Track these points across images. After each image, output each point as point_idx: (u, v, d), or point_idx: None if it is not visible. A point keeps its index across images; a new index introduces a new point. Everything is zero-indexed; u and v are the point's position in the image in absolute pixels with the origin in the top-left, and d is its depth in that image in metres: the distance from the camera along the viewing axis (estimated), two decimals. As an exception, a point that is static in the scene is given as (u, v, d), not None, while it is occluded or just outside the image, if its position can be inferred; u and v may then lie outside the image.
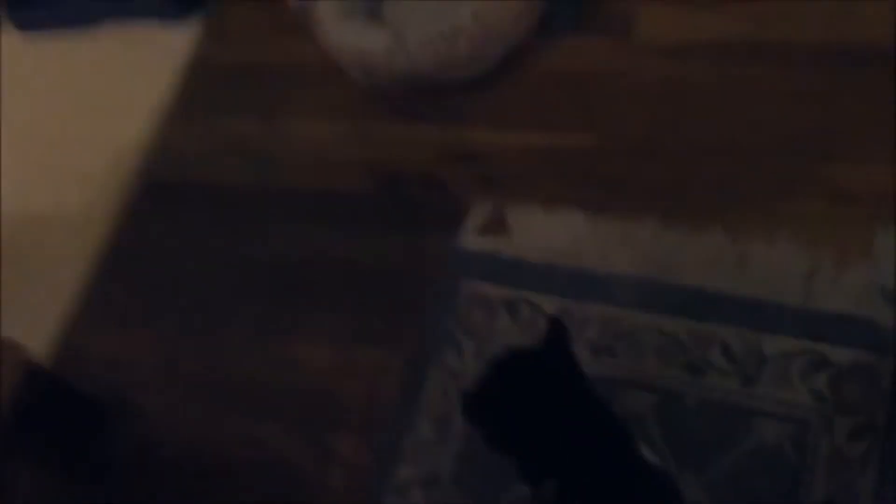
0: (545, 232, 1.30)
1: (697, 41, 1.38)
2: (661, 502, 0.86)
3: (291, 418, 1.29)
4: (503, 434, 0.89)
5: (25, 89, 1.77)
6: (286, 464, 1.25)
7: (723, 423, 1.09)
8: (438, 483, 1.18)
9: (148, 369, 1.38)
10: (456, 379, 1.23)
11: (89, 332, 1.43)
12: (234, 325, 1.39)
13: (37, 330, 1.42)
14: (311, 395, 1.30)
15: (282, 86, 1.60)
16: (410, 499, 1.18)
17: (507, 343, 0.95)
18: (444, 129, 1.45)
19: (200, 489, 1.26)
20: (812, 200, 1.19)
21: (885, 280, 1.09)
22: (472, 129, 1.44)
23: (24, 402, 1.20)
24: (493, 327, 1.25)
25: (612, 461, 0.85)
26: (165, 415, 1.33)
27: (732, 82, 1.33)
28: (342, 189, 1.46)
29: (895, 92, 1.21)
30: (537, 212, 1.32)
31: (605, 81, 1.40)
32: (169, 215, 1.53)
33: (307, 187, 1.48)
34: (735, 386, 1.10)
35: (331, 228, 1.43)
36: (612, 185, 1.30)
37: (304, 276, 1.40)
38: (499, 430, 0.89)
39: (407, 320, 1.31)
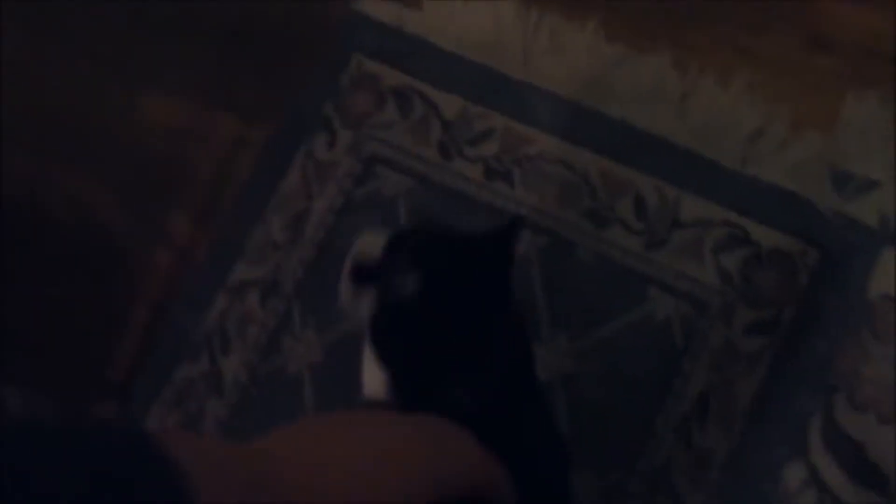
0: (465, 14, 1.05)
1: None
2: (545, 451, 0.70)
3: (126, 186, 1.09)
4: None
5: None
6: (111, 237, 1.06)
7: (613, 286, 0.94)
8: (277, 291, 1.01)
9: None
10: (319, 170, 1.03)
11: None
12: (76, 57, 1.13)
13: None
14: (152, 160, 1.09)
15: None
16: (245, 300, 1.02)
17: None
18: None
19: (13, 249, 1.07)
20: (784, 40, 0.97)
21: (839, 159, 0.91)
22: None
23: None
24: (377, 119, 1.04)
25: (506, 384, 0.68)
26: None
27: None
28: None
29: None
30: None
31: None
32: None
33: None
34: (637, 247, 0.94)
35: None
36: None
37: (170, 19, 1.13)
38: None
39: (279, 91, 1.08)
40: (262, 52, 1.09)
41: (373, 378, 0.67)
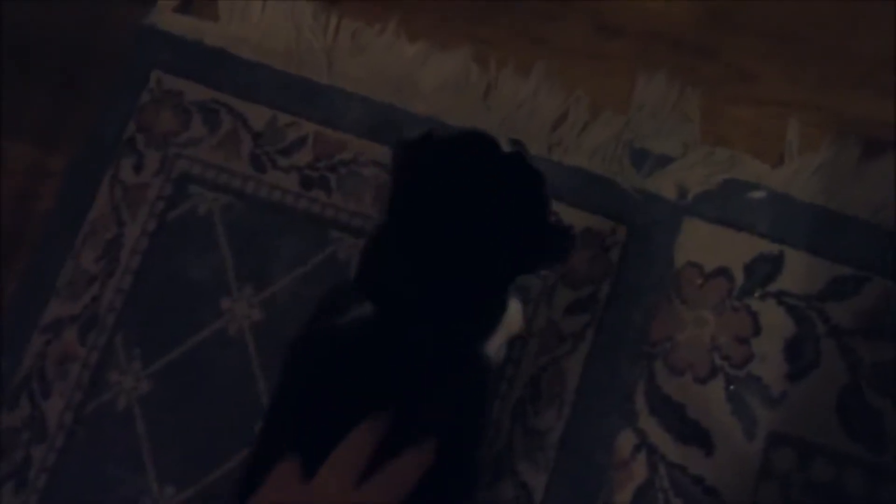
0: (263, 22, 1.03)
1: None
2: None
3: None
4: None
5: None
6: None
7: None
8: (97, 324, 0.97)
9: None
10: (128, 195, 0.99)
11: None
12: None
13: None
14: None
15: None
16: (62, 338, 0.97)
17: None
18: None
19: None
20: (575, 28, 1.00)
21: (636, 138, 0.95)
22: None
23: None
24: (184, 136, 1.01)
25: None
26: None
27: None
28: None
29: None
30: (252, -5, 1.04)
31: None
32: None
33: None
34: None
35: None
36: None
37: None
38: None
39: (76, 113, 1.02)
40: (53, 73, 1.03)
41: None
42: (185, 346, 0.95)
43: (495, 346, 0.73)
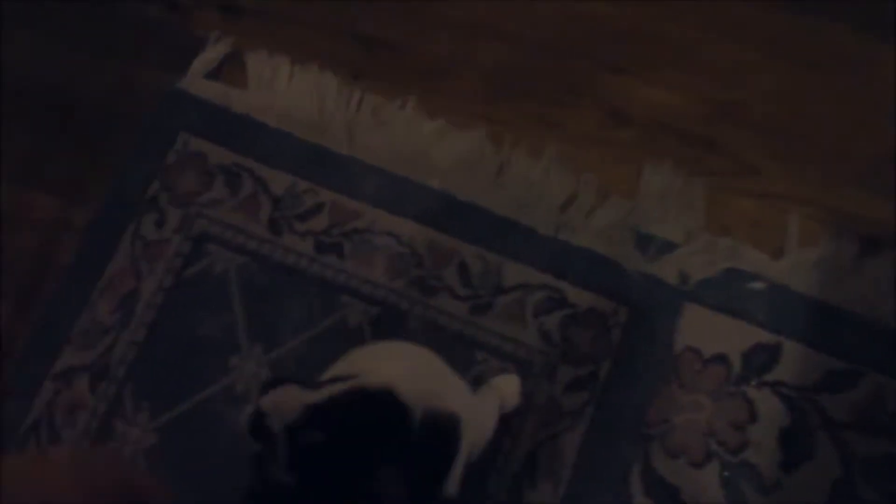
0: (289, 91, 1.08)
1: None
2: None
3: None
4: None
5: None
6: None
7: (444, 352, 0.97)
8: (107, 375, 0.99)
9: None
10: (147, 250, 1.02)
11: None
12: None
13: None
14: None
15: None
16: (73, 387, 0.99)
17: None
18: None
19: None
20: (587, 114, 1.04)
21: (642, 223, 0.98)
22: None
23: None
24: (206, 196, 1.05)
25: None
26: None
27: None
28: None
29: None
30: (284, 64, 1.09)
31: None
32: None
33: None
34: (464, 312, 0.98)
35: (34, 33, 1.12)
36: (376, 48, 1.09)
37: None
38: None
39: (102, 170, 1.06)
40: (83, 131, 1.08)
41: None
42: (192, 401, 0.97)
43: (453, 482, 0.71)
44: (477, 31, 1.07)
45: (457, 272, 0.99)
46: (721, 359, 0.93)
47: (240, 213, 1.03)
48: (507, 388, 0.92)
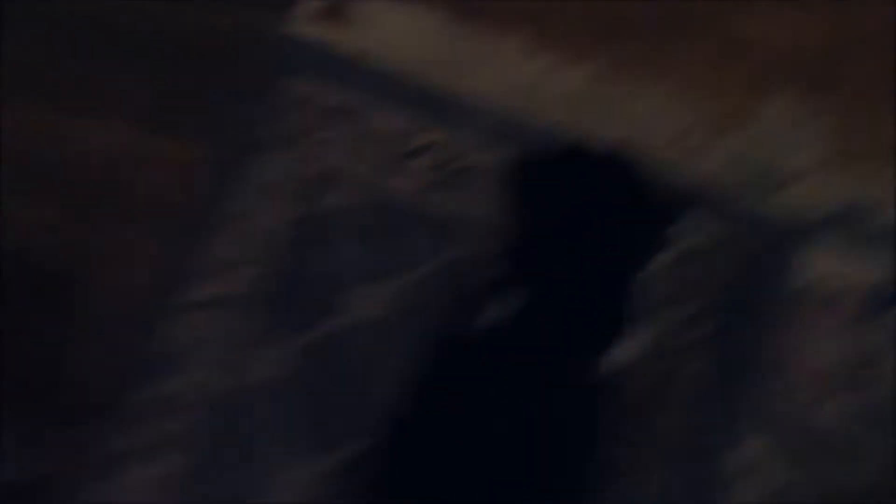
0: (395, 30, 1.08)
1: None
2: None
3: (75, 205, 1.09)
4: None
5: None
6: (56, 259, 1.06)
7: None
8: (227, 306, 1.03)
9: None
10: (265, 189, 1.05)
11: None
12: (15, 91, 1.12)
13: None
14: (99, 183, 1.09)
15: None
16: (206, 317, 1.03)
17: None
18: None
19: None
20: (701, 43, 1.01)
21: (761, 156, 0.96)
22: None
23: None
24: (316, 137, 1.06)
25: None
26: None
27: None
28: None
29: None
30: (388, 4, 1.08)
31: None
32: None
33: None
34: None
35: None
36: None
37: (105, 42, 1.13)
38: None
39: (218, 114, 1.09)
40: (199, 77, 1.10)
41: None
42: (321, 331, 0.99)
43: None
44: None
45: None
46: (843, 296, 0.91)
47: (349, 154, 1.05)
48: None
